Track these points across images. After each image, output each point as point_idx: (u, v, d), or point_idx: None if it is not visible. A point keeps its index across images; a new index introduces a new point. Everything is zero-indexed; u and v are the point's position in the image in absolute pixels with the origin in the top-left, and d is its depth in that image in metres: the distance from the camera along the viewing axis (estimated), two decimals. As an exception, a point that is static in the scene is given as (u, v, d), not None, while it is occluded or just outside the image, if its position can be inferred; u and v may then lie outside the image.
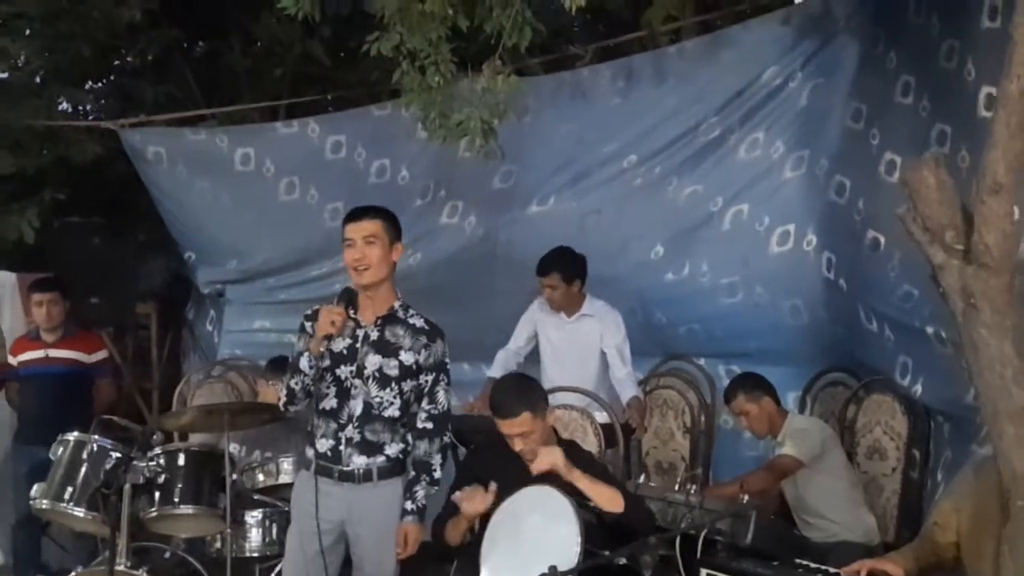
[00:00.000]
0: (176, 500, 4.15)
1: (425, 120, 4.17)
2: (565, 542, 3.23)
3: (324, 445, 3.59)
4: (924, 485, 4.40)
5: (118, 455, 4.18)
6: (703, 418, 5.19)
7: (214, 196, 6.16)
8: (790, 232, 5.27)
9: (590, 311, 5.15)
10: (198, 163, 6.13)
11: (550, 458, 3.52)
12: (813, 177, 5.21)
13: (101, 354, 5.77)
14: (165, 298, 7.43)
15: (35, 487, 4.30)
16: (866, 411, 4.68)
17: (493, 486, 3.49)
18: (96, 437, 4.26)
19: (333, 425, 3.58)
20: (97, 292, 6.61)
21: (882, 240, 4.63)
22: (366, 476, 3.56)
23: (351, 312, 3.58)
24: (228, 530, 4.13)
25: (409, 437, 3.63)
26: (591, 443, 4.60)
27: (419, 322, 3.62)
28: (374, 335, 3.58)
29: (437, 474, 3.61)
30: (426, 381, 3.61)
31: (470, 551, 3.65)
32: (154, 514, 4.16)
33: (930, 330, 4.15)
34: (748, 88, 5.28)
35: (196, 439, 4.75)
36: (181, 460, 4.21)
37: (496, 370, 5.19)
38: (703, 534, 3.64)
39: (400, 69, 4.16)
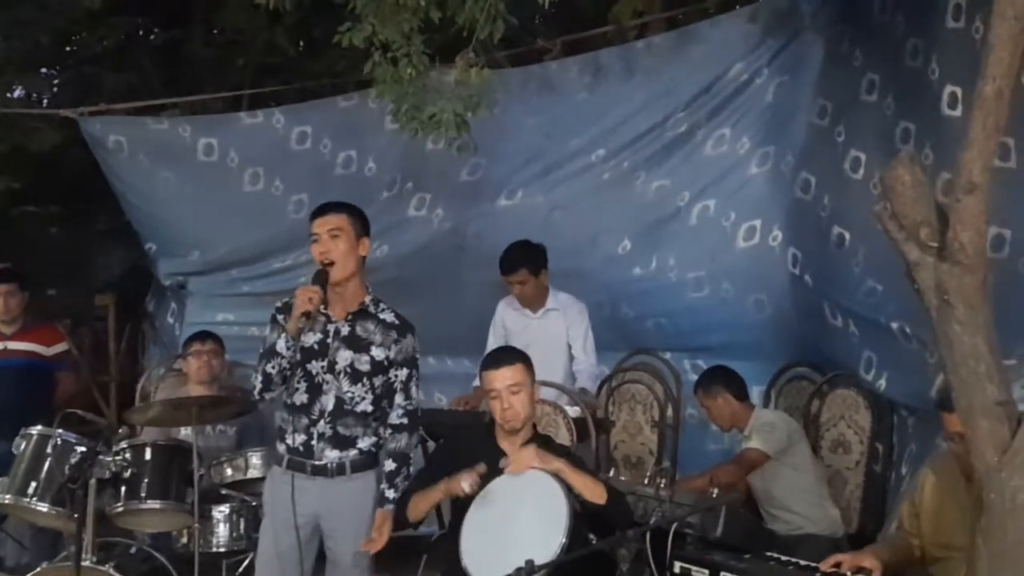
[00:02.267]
0: (143, 495, 4.09)
1: (397, 112, 4.14)
2: (552, 524, 3.22)
3: (296, 440, 3.57)
4: (888, 478, 4.47)
5: (83, 449, 4.11)
6: (670, 412, 5.23)
7: (177, 186, 6.07)
8: (756, 227, 5.32)
9: (555, 305, 5.16)
10: (160, 153, 6.04)
11: (525, 459, 3.51)
12: (779, 173, 5.25)
13: (60, 346, 5.68)
14: (124, 290, 7.33)
15: (-3, 482, 4.23)
16: (830, 405, 4.74)
17: (482, 467, 3.46)
18: (60, 431, 4.19)
19: (304, 420, 3.57)
20: (55, 283, 6.52)
21: (847, 236, 4.69)
22: (339, 470, 3.56)
23: (322, 307, 3.55)
24: (196, 525, 4.07)
25: (381, 431, 3.63)
26: (563, 437, 4.61)
27: (389, 317, 3.62)
28: (345, 330, 3.57)
29: (413, 468, 3.65)
30: (396, 376, 3.61)
31: (439, 545, 3.64)
32: (120, 509, 4.09)
33: (895, 325, 4.21)
34: (715, 84, 5.31)
35: (149, 432, 4.69)
36: (148, 454, 4.15)
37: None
38: (674, 527, 3.66)
39: (372, 60, 4.12)
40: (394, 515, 3.59)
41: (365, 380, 3.55)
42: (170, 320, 6.86)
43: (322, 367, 3.55)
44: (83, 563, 3.85)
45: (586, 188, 5.60)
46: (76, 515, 3.90)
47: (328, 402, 3.55)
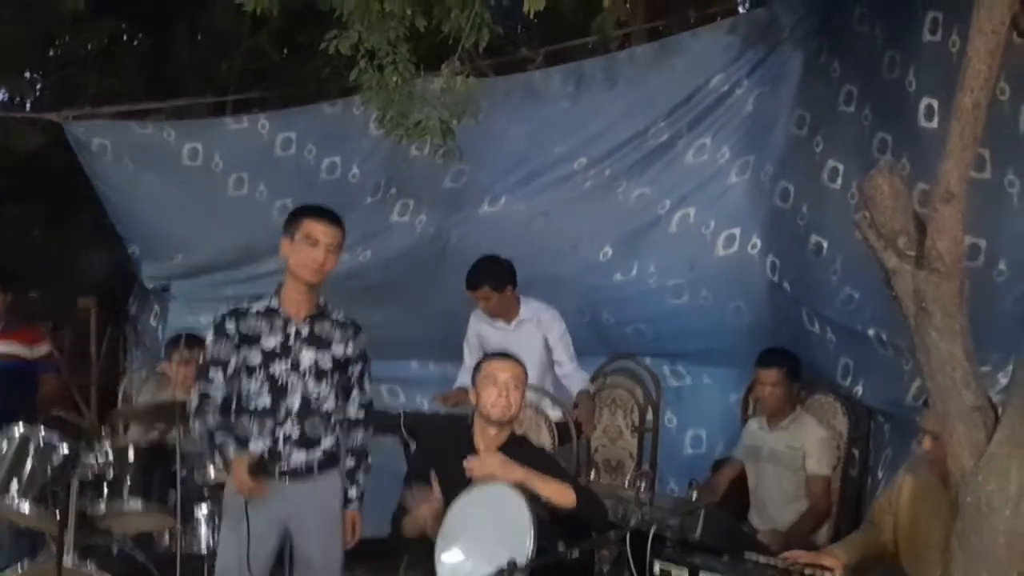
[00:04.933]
0: (125, 496, 4.10)
1: (383, 119, 4.18)
2: (518, 537, 3.27)
3: (259, 445, 3.60)
4: (864, 483, 4.54)
5: (66, 450, 4.11)
6: (650, 416, 5.28)
7: (161, 190, 6.05)
8: (735, 235, 5.40)
9: (528, 315, 5.18)
10: (145, 157, 6.00)
11: (488, 467, 3.57)
12: (758, 182, 5.33)
13: (44, 348, 5.64)
14: (105, 292, 7.29)
15: (-22, 482, 4.21)
16: (808, 411, 4.79)
17: (435, 485, 3.54)
18: (43, 431, 4.18)
19: (269, 423, 3.60)
20: (37, 285, 6.47)
21: (825, 244, 4.77)
22: (308, 470, 3.63)
23: (279, 306, 3.64)
24: (178, 526, 4.09)
25: (339, 430, 3.71)
26: (544, 440, 4.66)
27: (341, 316, 3.73)
28: (305, 331, 3.64)
29: (369, 460, 3.76)
30: (354, 372, 3.72)
31: (422, 545, 3.67)
32: (102, 510, 4.10)
33: (871, 332, 4.29)
34: (696, 94, 5.37)
35: (132, 434, 4.69)
36: (131, 455, 4.15)
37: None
38: (653, 530, 3.71)
39: (358, 68, 4.16)
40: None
41: (328, 378, 3.65)
42: (152, 323, 6.83)
43: (285, 368, 3.61)
44: (65, 564, 3.86)
45: (568, 195, 5.64)
46: (58, 515, 3.90)
47: (294, 402, 3.61)
